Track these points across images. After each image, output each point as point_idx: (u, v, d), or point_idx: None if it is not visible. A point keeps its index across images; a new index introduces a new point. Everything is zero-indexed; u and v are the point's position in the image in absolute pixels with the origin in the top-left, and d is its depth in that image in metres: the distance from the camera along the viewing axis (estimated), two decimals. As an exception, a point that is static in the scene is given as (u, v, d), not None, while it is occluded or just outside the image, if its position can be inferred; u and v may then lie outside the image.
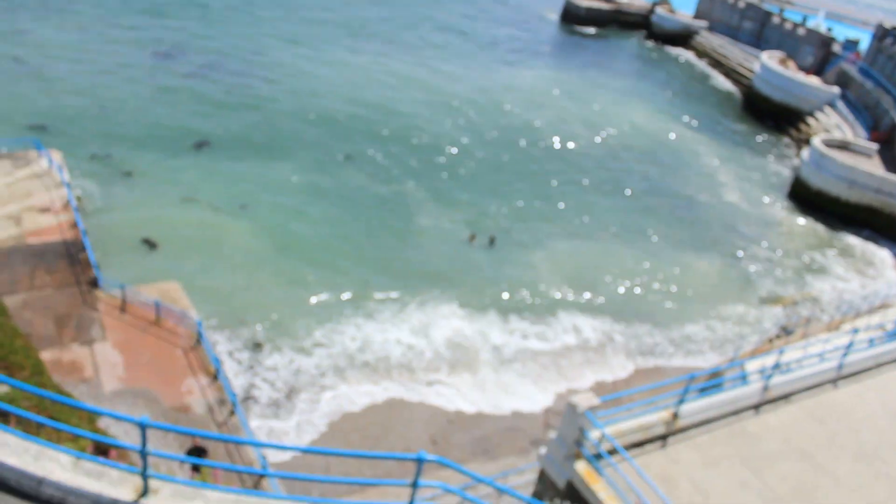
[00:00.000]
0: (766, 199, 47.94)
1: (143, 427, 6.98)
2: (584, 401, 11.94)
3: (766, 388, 14.96)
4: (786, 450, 13.58)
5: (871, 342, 18.11)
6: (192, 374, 20.57)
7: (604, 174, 47.05)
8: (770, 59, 66.87)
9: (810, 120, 60.41)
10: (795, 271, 39.00)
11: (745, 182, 50.12)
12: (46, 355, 19.62)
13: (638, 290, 34.08)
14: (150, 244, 30.35)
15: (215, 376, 20.56)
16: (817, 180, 46.71)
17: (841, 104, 59.90)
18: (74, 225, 26.27)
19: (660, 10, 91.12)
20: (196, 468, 15.12)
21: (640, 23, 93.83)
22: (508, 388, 26.09)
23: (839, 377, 16.18)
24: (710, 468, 12.80)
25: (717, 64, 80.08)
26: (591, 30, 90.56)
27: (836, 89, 60.97)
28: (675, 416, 13.58)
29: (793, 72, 64.57)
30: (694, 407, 13.87)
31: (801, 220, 45.62)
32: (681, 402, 13.59)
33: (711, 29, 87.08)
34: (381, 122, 48.22)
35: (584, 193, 43.65)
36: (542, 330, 29.79)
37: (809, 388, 15.55)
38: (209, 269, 29.41)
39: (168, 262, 29.09)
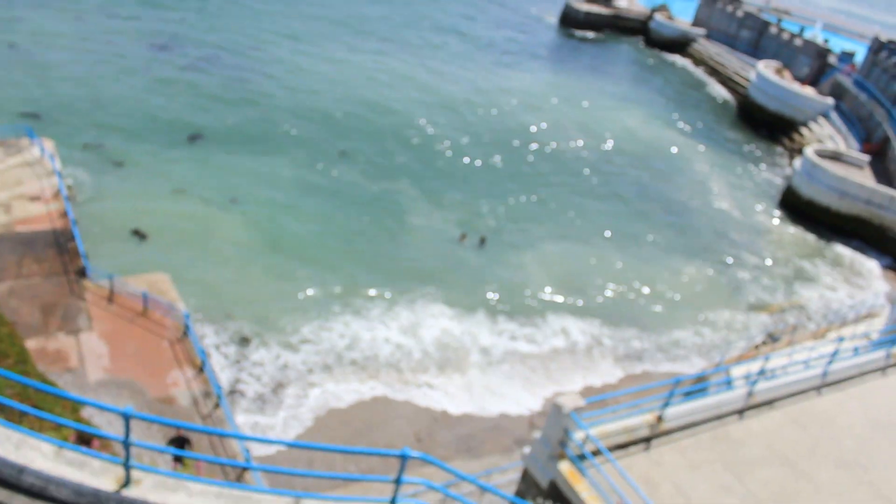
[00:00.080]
0: (758, 207, 48.19)
1: (126, 417, 6.96)
2: (569, 402, 11.98)
3: (750, 394, 15.05)
4: (768, 455, 13.67)
5: (856, 351, 18.26)
6: (178, 366, 20.52)
7: (597, 178, 47.18)
8: (766, 68, 67.22)
9: (804, 130, 60.75)
10: (784, 279, 39.22)
11: (737, 190, 50.37)
12: (32, 344, 19.52)
13: (627, 294, 34.20)
14: (140, 235, 30.24)
15: (201, 369, 20.51)
16: (809, 190, 46.99)
17: (835, 115, 60.28)
18: (64, 214, 26.14)
19: (658, 16, 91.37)
20: (179, 459, 15.08)
21: (638, 28, 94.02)
22: (496, 390, 26.08)
23: (823, 385, 16.29)
24: (693, 472, 12.87)
25: (713, 72, 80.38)
26: (590, 34, 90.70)
27: (830, 100, 61.35)
28: (660, 419, 13.65)
29: (788, 82, 64.90)
30: (679, 410, 13.93)
31: (792, 229, 45.89)
32: (666, 405, 13.66)
33: (709, 37, 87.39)
34: (377, 120, 48.19)
35: (575, 196, 43.75)
36: (531, 332, 29.83)
37: (793, 395, 15.65)
38: (198, 262, 29.33)
39: (157, 254, 28.99)
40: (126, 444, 7.11)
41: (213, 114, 43.81)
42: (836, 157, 49.43)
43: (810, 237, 45.04)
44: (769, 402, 15.19)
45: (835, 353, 16.52)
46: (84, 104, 41.47)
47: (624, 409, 13.72)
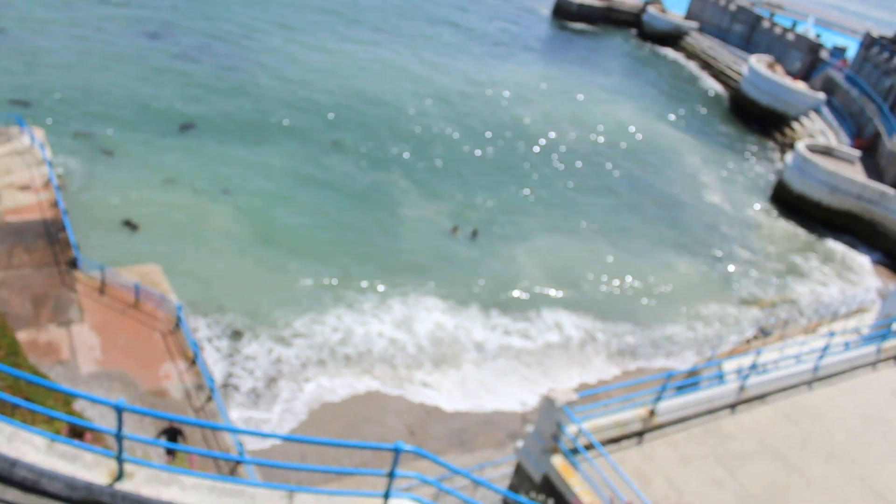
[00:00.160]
0: (749, 202, 48.37)
1: (119, 410, 6.92)
2: (562, 396, 12.01)
3: (742, 388, 15.14)
4: (760, 449, 13.76)
5: (847, 346, 18.38)
6: (171, 358, 20.43)
7: (589, 171, 47.20)
8: (758, 62, 67.34)
9: (795, 125, 60.97)
10: (775, 274, 39.43)
11: (728, 184, 50.53)
12: (23, 335, 19.38)
13: (619, 288, 34.29)
14: (132, 226, 30.05)
15: (193, 361, 20.43)
16: (800, 185, 47.20)
17: (826, 110, 60.49)
18: (55, 204, 25.91)
19: (651, 9, 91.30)
20: (171, 452, 15.04)
21: (631, 21, 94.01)
22: (491, 387, 25.99)
23: (814, 379, 16.41)
24: (685, 465, 12.95)
25: (706, 65, 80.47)
26: (583, 26, 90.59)
27: (821, 95, 61.55)
28: (652, 413, 13.71)
29: (780, 76, 65.05)
30: (671, 405, 14.00)
31: (783, 224, 46.10)
32: (658, 399, 13.72)
33: (702, 30, 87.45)
34: (369, 110, 48.00)
35: (567, 189, 43.78)
36: (525, 327, 29.79)
37: (785, 390, 15.76)
38: (190, 253, 29.18)
39: (148, 245, 28.82)
40: (119, 437, 7.08)
41: (205, 103, 43.51)
42: (827, 152, 49.64)
43: (801, 232, 45.26)
44: (761, 397, 15.29)
45: (826, 348, 16.64)
46: (74, 92, 41.09)
47: (616, 403, 13.78)
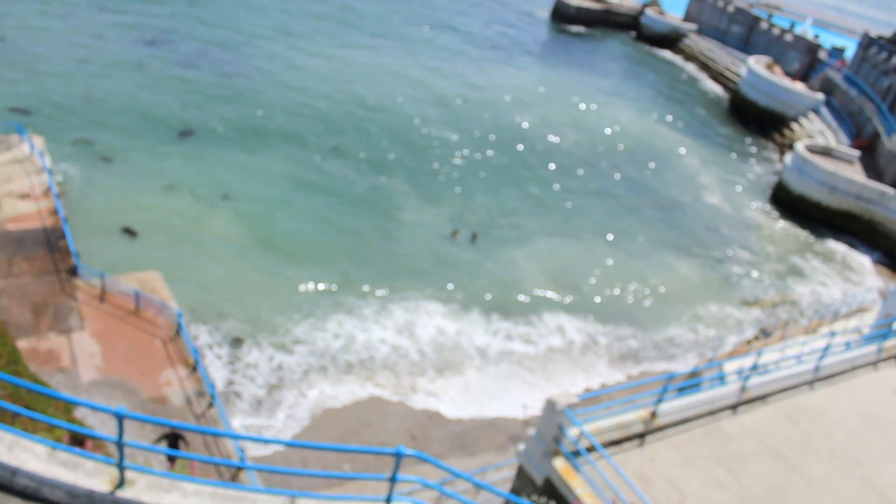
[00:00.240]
0: (749, 203, 48.39)
1: (120, 418, 6.92)
2: (563, 398, 12.01)
3: (743, 389, 15.13)
4: (761, 450, 13.75)
5: (848, 346, 18.37)
6: (171, 365, 20.43)
7: (588, 173, 47.24)
8: (757, 63, 67.42)
9: (794, 125, 61.01)
10: (775, 274, 39.41)
11: (728, 185, 50.55)
12: (23, 344, 19.40)
13: (620, 291, 34.28)
14: (131, 233, 30.07)
15: (194, 368, 20.43)
16: (799, 185, 47.22)
17: (825, 111, 60.54)
18: (55, 212, 25.95)
19: (649, 11, 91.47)
20: (172, 459, 15.03)
21: (629, 23, 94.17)
22: (494, 394, 25.84)
23: (815, 379, 16.40)
24: (687, 467, 12.93)
25: (704, 67, 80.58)
26: (581, 29, 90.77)
27: (820, 96, 61.60)
28: (654, 414, 13.70)
29: (779, 77, 65.12)
30: (672, 406, 14.00)
31: (783, 224, 46.11)
32: (659, 401, 13.71)
33: (700, 32, 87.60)
34: (368, 115, 48.07)
35: (567, 192, 43.80)
36: (526, 331, 29.68)
37: (786, 390, 15.76)
38: (190, 260, 29.19)
39: (148, 252, 28.83)
40: (119, 445, 7.08)
41: (204, 109, 43.58)
42: (826, 152, 49.67)
43: (801, 232, 45.27)
44: (762, 398, 15.28)
45: (826, 348, 16.63)
46: (74, 100, 41.17)
47: (618, 405, 13.77)
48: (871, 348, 18.07)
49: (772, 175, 53.47)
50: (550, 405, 12.16)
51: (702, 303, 34.86)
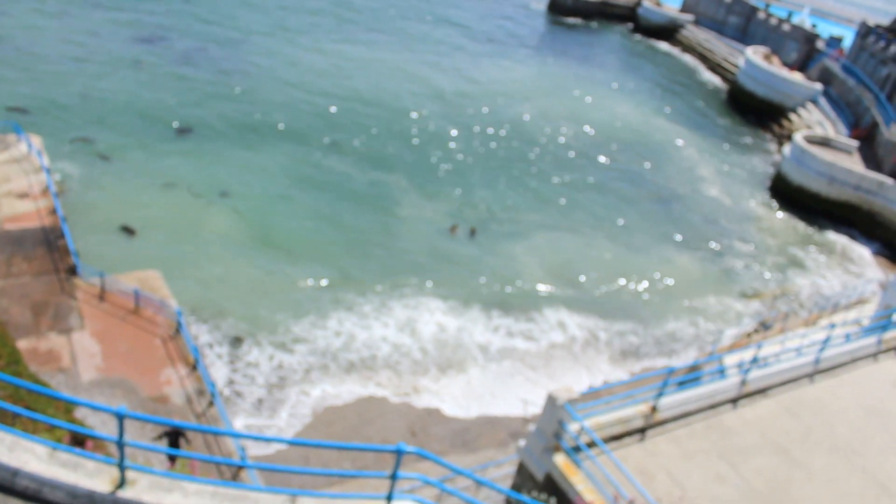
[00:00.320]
0: (748, 194, 48.34)
1: (120, 417, 6.92)
2: (564, 393, 12.01)
3: (743, 383, 15.13)
4: (762, 443, 13.76)
5: (848, 338, 18.38)
6: (171, 363, 20.43)
7: (586, 166, 47.18)
8: (755, 54, 67.26)
9: (793, 116, 60.90)
10: (775, 266, 39.41)
11: (727, 176, 50.49)
12: (23, 344, 19.39)
13: (620, 284, 34.26)
14: (130, 231, 30.04)
15: (194, 366, 20.44)
16: (798, 176, 47.16)
17: (823, 101, 60.43)
18: (53, 211, 25.92)
19: (646, 2, 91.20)
20: (172, 458, 15.04)
21: (626, 15, 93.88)
22: (497, 392, 25.77)
23: (815, 372, 16.40)
24: (688, 461, 12.95)
25: (702, 58, 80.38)
26: (578, 21, 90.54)
27: (818, 86, 61.48)
28: (654, 409, 13.71)
29: (777, 67, 64.98)
30: (672, 400, 14.00)
31: (782, 216, 46.08)
32: (659, 395, 13.72)
33: (697, 23, 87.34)
34: (366, 110, 47.98)
35: (565, 185, 43.75)
36: (528, 328, 29.58)
37: (786, 383, 15.76)
38: (189, 258, 29.16)
39: (147, 250, 28.79)
40: (120, 445, 7.08)
41: (202, 106, 43.48)
42: (825, 142, 49.60)
43: (800, 224, 45.25)
44: (762, 391, 15.29)
45: (826, 340, 16.63)
46: (71, 98, 41.06)
47: (618, 399, 13.78)
48: (872, 340, 18.08)
49: (770, 166, 53.41)
50: (551, 400, 12.16)
51: (701, 296, 34.86)
